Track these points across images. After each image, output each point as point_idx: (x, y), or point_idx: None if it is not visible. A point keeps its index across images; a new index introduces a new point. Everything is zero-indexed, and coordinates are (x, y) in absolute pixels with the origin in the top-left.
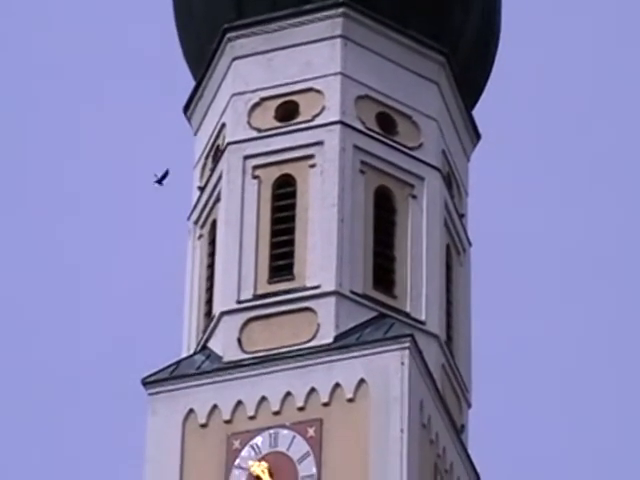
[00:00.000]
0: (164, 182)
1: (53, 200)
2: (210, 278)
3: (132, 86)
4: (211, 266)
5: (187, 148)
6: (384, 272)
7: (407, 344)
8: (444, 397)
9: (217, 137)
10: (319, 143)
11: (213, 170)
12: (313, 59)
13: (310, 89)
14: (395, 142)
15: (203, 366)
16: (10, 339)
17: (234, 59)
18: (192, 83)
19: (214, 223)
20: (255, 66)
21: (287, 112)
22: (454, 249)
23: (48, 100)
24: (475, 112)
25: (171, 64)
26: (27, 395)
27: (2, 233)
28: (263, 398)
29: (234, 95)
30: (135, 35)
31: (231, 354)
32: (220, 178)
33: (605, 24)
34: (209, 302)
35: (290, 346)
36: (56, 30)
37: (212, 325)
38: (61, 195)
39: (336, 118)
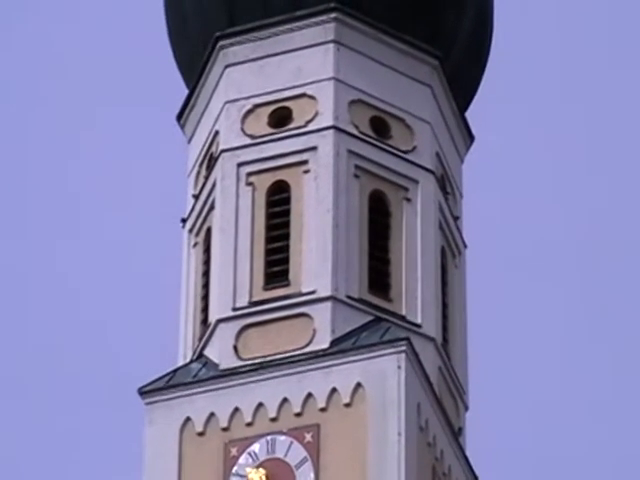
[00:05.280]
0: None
1: (51, 206)
2: (205, 286)
3: (125, 95)
4: (206, 274)
5: (181, 156)
6: (379, 276)
7: (403, 347)
8: (441, 400)
9: (211, 145)
10: (313, 149)
11: (207, 178)
12: (305, 65)
13: (303, 95)
14: (389, 146)
15: (199, 374)
16: (5, 347)
17: (227, 66)
18: (185, 91)
19: (209, 231)
20: (248, 73)
21: (280, 118)
22: (449, 251)
23: (45, 109)
24: (468, 114)
25: (164, 73)
26: (23, 405)
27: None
28: (260, 405)
29: (227, 102)
30: (127, 44)
31: (227, 361)
32: (214, 185)
33: (598, 25)
34: (205, 310)
35: (286, 352)
36: (48, 38)
37: (208, 333)
38: (59, 199)
39: (329, 123)
